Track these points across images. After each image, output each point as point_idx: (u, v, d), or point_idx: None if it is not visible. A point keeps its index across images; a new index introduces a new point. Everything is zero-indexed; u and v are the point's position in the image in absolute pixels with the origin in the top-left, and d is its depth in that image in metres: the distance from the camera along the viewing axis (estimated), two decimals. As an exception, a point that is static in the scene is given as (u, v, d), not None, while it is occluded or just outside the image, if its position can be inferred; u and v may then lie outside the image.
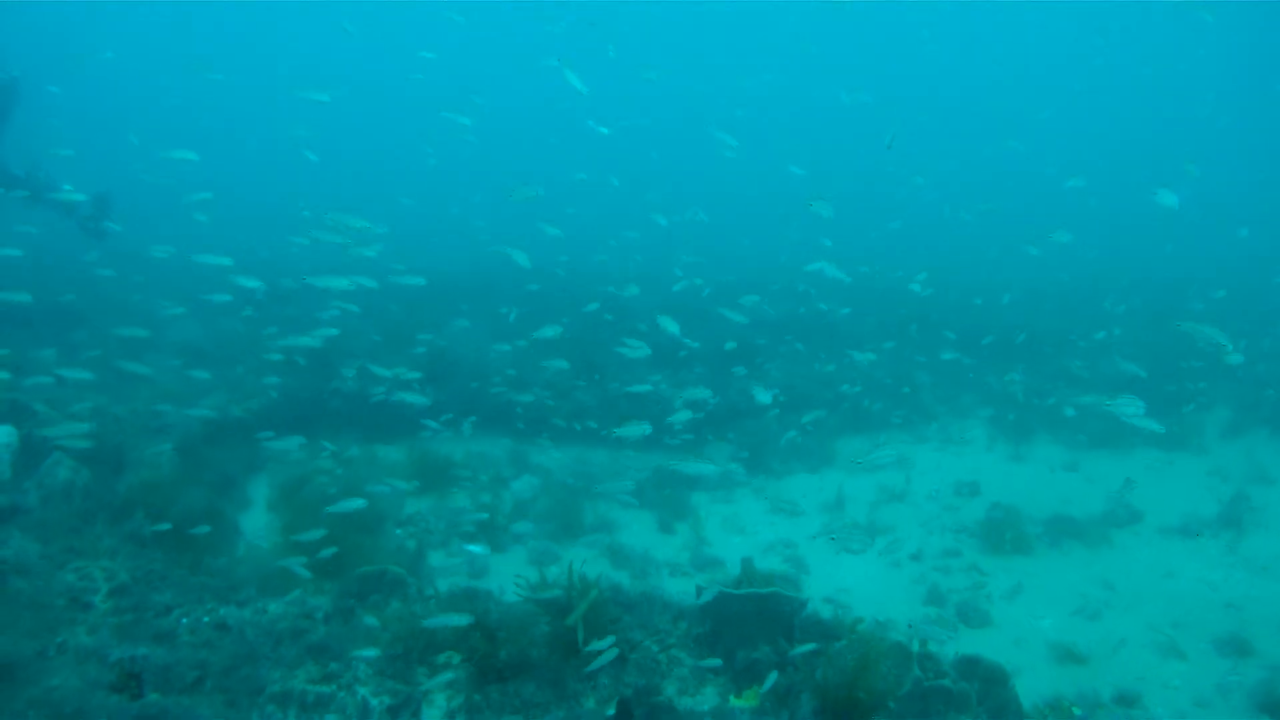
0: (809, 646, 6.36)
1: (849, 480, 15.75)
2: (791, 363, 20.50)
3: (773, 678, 6.01)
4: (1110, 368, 20.59)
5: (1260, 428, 18.01)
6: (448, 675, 6.24)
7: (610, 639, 6.53)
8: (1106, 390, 19.49)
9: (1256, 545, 13.22)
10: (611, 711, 5.80)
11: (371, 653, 6.18)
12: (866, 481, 15.87)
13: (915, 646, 6.22)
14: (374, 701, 5.70)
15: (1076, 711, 6.36)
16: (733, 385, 18.44)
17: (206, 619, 7.05)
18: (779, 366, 20.32)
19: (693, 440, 17.01)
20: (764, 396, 13.79)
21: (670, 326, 13.80)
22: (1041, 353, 21.79)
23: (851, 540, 12.32)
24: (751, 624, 6.55)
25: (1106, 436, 17.65)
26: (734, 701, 6.33)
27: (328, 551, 9.40)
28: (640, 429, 11.13)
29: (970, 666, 6.44)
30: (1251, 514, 14.00)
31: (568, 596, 6.62)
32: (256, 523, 12.79)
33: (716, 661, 6.63)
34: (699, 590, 6.95)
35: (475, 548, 13.14)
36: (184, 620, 7.00)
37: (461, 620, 6.52)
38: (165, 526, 9.95)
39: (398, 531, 13.37)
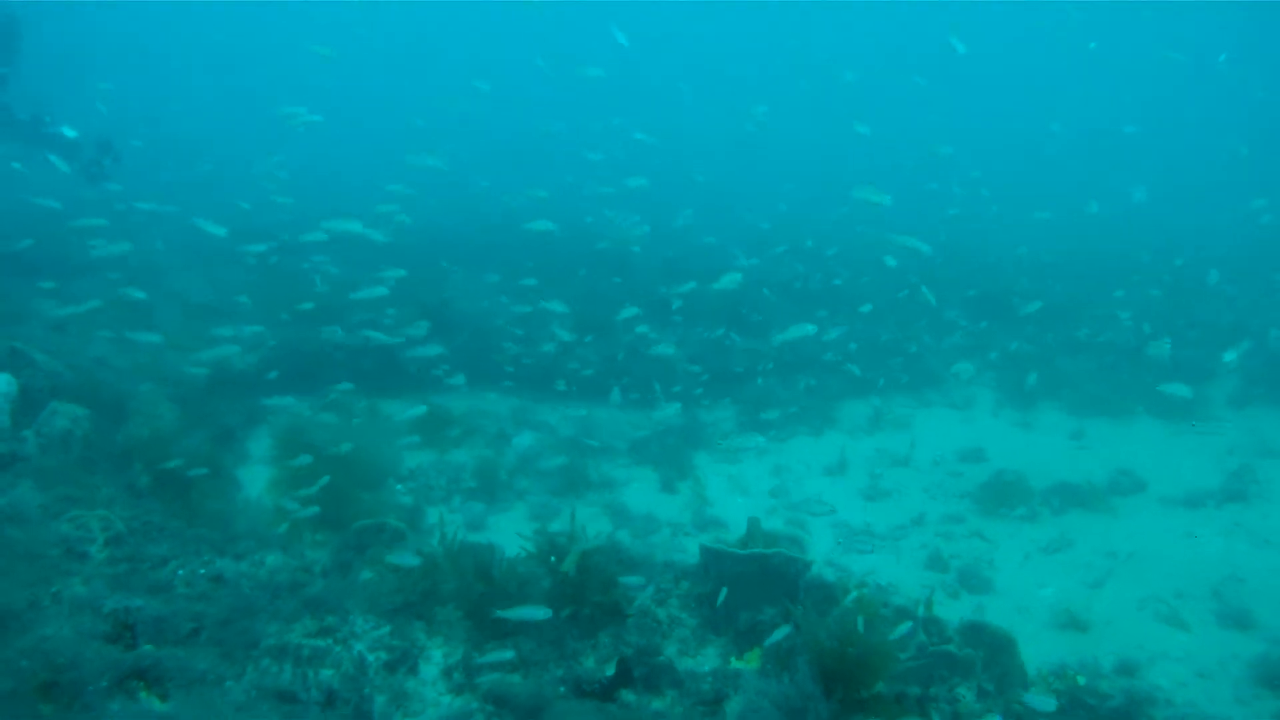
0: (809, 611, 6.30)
1: (852, 443, 15.67)
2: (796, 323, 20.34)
3: (781, 631, 5.93)
4: (1120, 336, 20.47)
5: (1269, 400, 17.87)
6: (445, 631, 6.19)
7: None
8: (1114, 355, 19.46)
9: (1260, 518, 13.14)
10: (611, 671, 5.74)
11: (369, 620, 6.12)
12: (871, 444, 15.81)
13: (920, 611, 6.15)
14: (370, 657, 5.63)
15: (1081, 680, 6.29)
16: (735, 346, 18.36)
17: (203, 571, 6.97)
18: (783, 325, 20.15)
19: (699, 395, 16.95)
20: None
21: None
22: (1051, 319, 21.59)
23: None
24: (754, 585, 6.47)
25: (1112, 404, 17.55)
26: (735, 663, 6.27)
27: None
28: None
29: (976, 632, 6.37)
30: (1255, 486, 13.92)
31: (567, 548, 6.53)
32: (256, 475, 12.73)
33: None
34: (702, 549, 6.86)
35: (476, 505, 13.11)
36: (180, 572, 6.92)
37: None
38: (168, 468, 9.98)
39: (398, 487, 13.32)
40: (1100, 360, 19.53)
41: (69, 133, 19.41)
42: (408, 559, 6.75)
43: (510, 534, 9.57)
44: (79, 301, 17.26)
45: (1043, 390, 18.03)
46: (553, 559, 6.50)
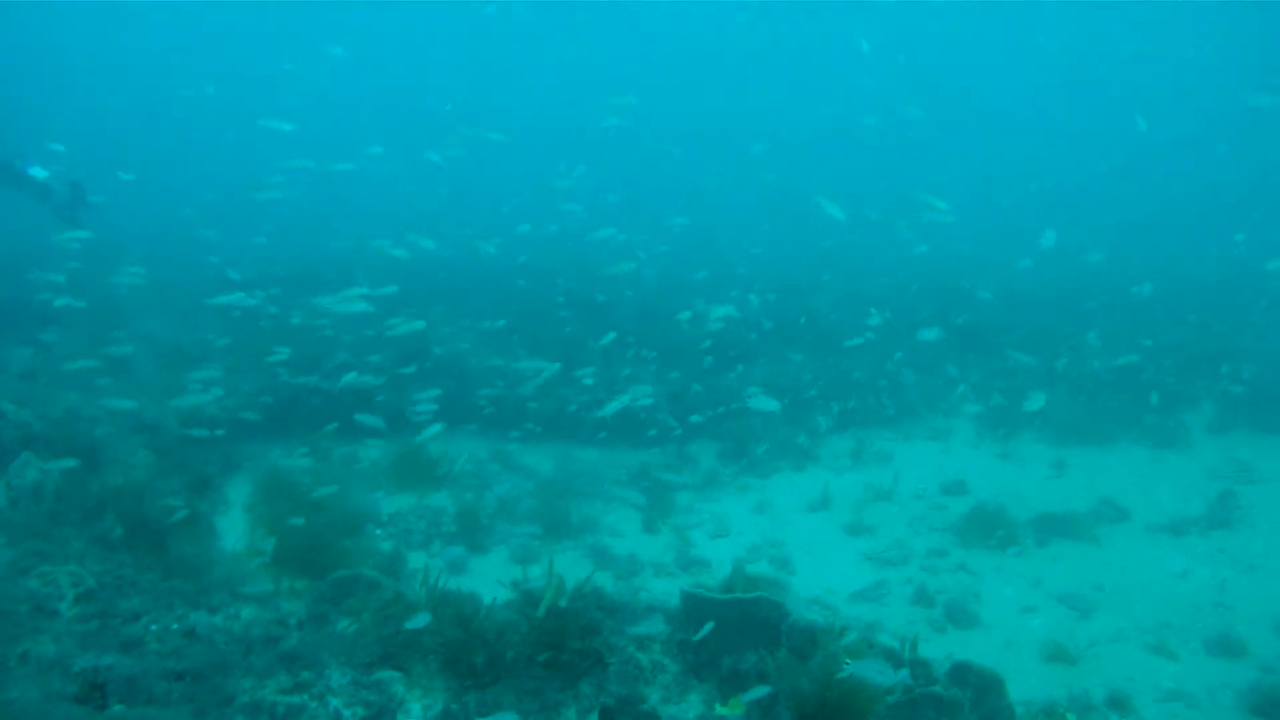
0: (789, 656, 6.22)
1: (835, 479, 15.60)
2: (777, 360, 20.35)
3: (759, 691, 5.82)
4: (1096, 365, 20.54)
5: (1244, 426, 17.92)
6: (424, 683, 6.06)
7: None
8: (1090, 386, 19.51)
9: (1245, 544, 13.13)
10: (593, 721, 5.63)
11: (345, 674, 5.97)
12: (853, 479, 15.73)
13: (906, 652, 6.06)
14: (346, 713, 5.50)
15: (1070, 717, 6.19)
16: (720, 384, 18.32)
17: (176, 626, 6.83)
18: (764, 365, 20.17)
19: (679, 438, 16.87)
20: (769, 404, 13.50)
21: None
22: (1028, 350, 21.65)
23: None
24: (737, 630, 6.37)
25: (1093, 433, 17.57)
26: (719, 710, 6.16)
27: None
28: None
29: (962, 673, 6.28)
30: (1239, 512, 13.93)
31: (545, 596, 6.40)
32: (235, 523, 12.56)
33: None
34: (683, 595, 6.76)
35: (456, 549, 12.96)
36: (153, 627, 6.78)
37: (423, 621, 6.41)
38: (142, 518, 9.81)
39: (377, 532, 13.16)
40: (1078, 389, 19.57)
41: (39, 173, 19.25)
42: (420, 619, 6.57)
43: (491, 578, 9.48)
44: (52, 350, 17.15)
45: (1022, 420, 18.04)
46: (529, 611, 6.36)
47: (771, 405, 13.11)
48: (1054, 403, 18.61)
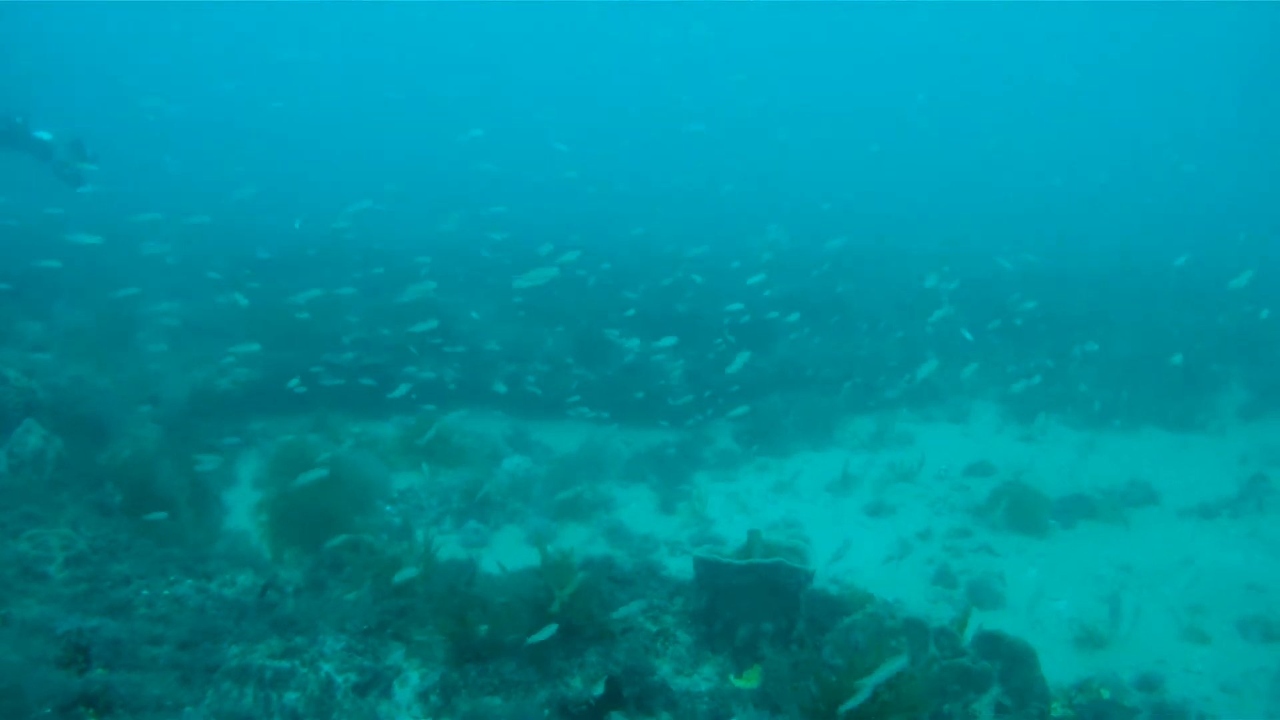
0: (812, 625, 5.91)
1: (854, 459, 15.25)
2: (799, 340, 20.01)
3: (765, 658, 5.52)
4: (1121, 348, 20.13)
5: (1276, 409, 17.49)
6: (424, 652, 5.77)
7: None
8: (1118, 370, 19.11)
9: (1277, 525, 12.73)
10: (599, 691, 5.33)
11: (340, 640, 5.69)
12: (874, 460, 15.38)
13: (932, 623, 5.73)
14: (339, 679, 5.21)
15: (1105, 693, 5.86)
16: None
17: (167, 592, 6.56)
18: (785, 344, 19.84)
19: (697, 419, 16.56)
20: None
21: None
22: (1054, 333, 21.22)
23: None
24: (753, 598, 6.05)
25: (1118, 417, 17.16)
26: (734, 681, 5.85)
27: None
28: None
29: (992, 644, 5.94)
30: (1271, 495, 13.51)
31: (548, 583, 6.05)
32: (242, 498, 12.34)
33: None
34: (696, 561, 6.44)
35: (470, 524, 12.70)
36: (144, 592, 6.51)
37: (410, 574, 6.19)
38: (145, 488, 9.59)
39: (388, 509, 12.91)
40: (1106, 373, 19.17)
41: (44, 135, 19.04)
42: (407, 573, 6.37)
43: (507, 555, 9.18)
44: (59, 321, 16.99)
45: (1048, 404, 17.66)
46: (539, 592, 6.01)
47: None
48: (1082, 385, 18.27)
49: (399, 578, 6.26)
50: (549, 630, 5.57)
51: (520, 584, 6.32)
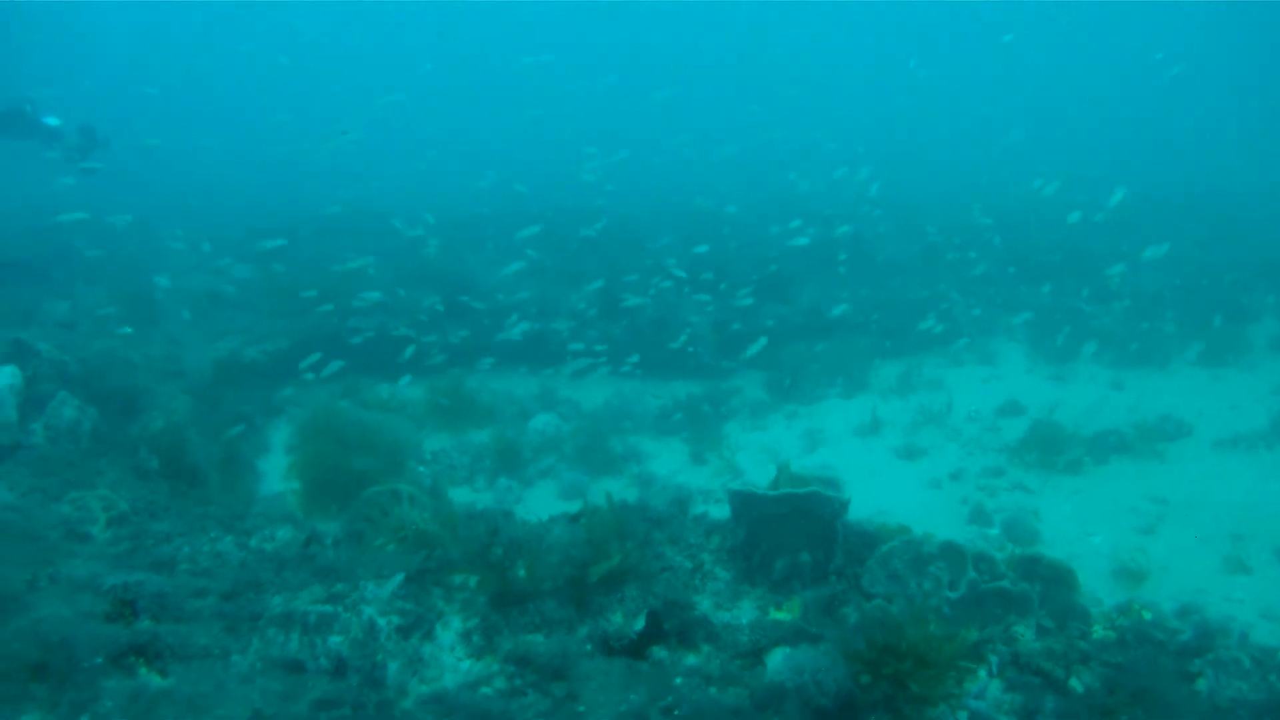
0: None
1: (884, 404, 15.20)
2: (825, 286, 19.89)
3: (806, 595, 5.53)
4: (1148, 282, 19.94)
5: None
6: (463, 595, 5.81)
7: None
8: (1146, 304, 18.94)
9: (1314, 454, 12.63)
10: (640, 625, 5.35)
11: (382, 586, 5.72)
12: (903, 404, 15.32)
13: (970, 548, 5.72)
14: (381, 621, 5.26)
15: (1146, 615, 5.85)
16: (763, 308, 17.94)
17: (208, 547, 6.63)
18: (812, 290, 19.73)
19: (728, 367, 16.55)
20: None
21: None
22: (1078, 270, 21.00)
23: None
24: (789, 529, 6.04)
25: (1149, 353, 17.00)
26: (774, 614, 5.86)
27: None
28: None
29: (1031, 566, 5.91)
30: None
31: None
32: (276, 464, 12.43)
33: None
34: (730, 495, 6.43)
35: (501, 482, 12.76)
36: (185, 549, 6.58)
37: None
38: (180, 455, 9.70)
39: (420, 469, 12.97)
40: (1132, 308, 18.99)
41: (52, 121, 19.05)
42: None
43: (542, 511, 9.21)
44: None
45: (1076, 342, 17.51)
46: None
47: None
48: (1110, 323, 18.11)
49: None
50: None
51: (558, 536, 6.33)
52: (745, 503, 6.20)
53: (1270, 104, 58.08)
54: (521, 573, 5.82)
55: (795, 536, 6.06)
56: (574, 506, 7.89)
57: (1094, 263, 21.18)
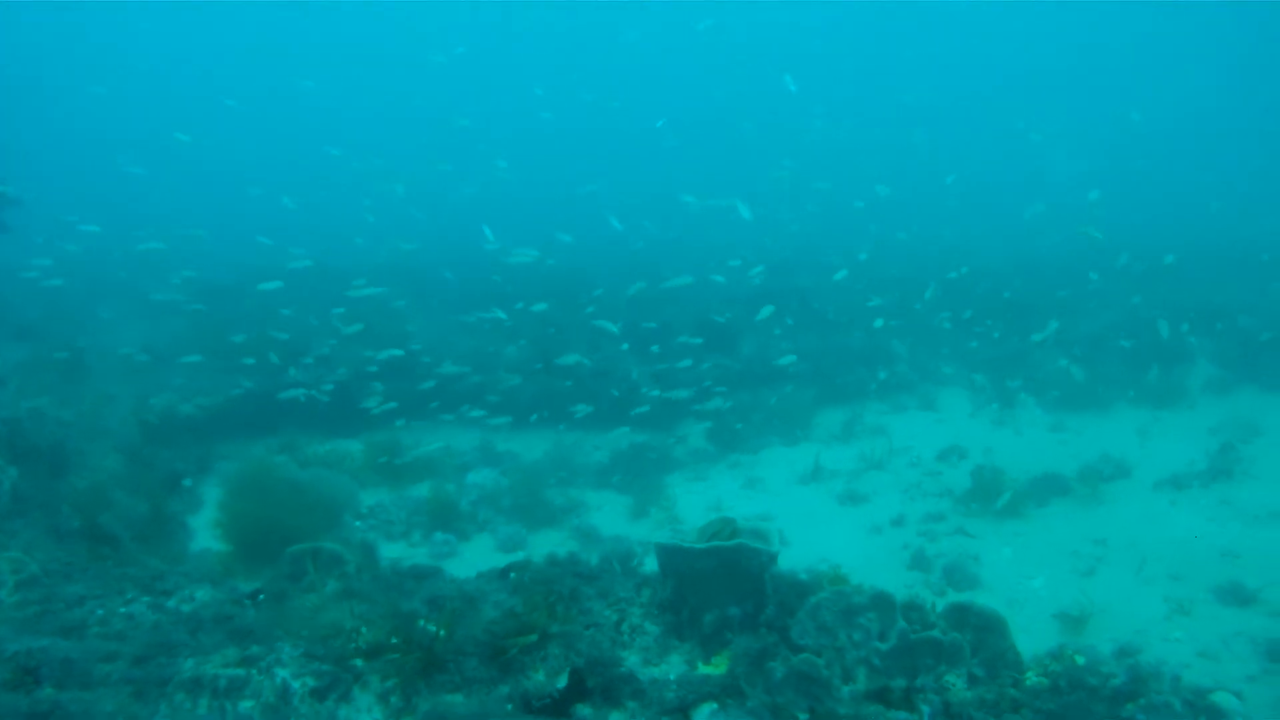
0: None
1: (826, 451, 15.19)
2: (764, 336, 19.94)
3: (739, 642, 5.41)
4: (1089, 327, 20.19)
5: (1246, 383, 17.56)
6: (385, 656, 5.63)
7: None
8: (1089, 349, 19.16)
9: (1248, 495, 12.74)
10: (563, 683, 5.20)
11: (298, 647, 5.52)
12: (846, 452, 15.32)
13: (900, 597, 5.64)
14: (295, 684, 5.08)
15: (1080, 660, 5.80)
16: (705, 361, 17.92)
17: (123, 609, 6.40)
18: (751, 341, 19.77)
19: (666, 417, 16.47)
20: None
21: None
22: (1022, 317, 21.23)
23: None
24: (717, 582, 5.94)
25: (1090, 398, 17.18)
26: (703, 669, 5.74)
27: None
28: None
29: (962, 615, 5.84)
30: (1241, 465, 13.55)
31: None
32: (207, 521, 12.13)
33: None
34: (658, 549, 6.32)
35: (438, 536, 12.53)
36: (99, 611, 6.35)
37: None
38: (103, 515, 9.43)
39: (357, 524, 12.73)
40: (1072, 354, 19.22)
41: None
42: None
43: (479, 564, 9.03)
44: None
45: (1018, 386, 17.68)
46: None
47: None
48: (1050, 369, 18.30)
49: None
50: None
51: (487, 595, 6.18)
52: (672, 556, 6.10)
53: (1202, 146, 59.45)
54: (443, 633, 5.65)
55: (724, 590, 5.95)
56: (511, 559, 7.78)
57: (1036, 309, 21.47)
